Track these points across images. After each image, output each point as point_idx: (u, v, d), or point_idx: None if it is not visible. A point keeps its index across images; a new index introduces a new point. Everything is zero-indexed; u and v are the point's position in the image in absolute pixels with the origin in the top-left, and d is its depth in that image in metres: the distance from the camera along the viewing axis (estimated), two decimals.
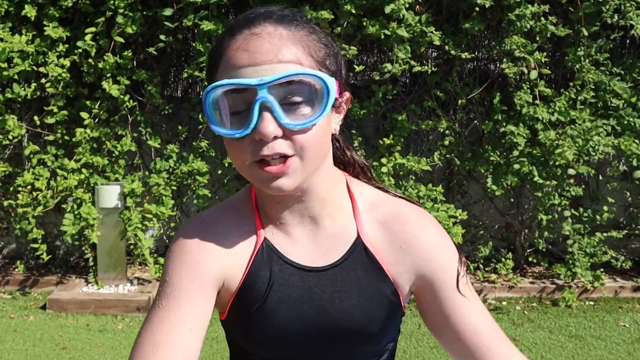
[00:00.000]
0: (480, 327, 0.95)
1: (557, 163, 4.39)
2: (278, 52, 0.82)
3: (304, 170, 0.86)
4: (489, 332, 0.95)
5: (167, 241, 5.05)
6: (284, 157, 0.84)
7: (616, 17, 4.36)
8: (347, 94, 0.95)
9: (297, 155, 0.85)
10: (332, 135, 0.93)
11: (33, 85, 4.46)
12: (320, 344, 0.96)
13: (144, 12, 4.45)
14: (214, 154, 4.69)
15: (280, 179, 0.85)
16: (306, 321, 0.95)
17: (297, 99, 0.84)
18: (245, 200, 1.01)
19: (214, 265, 0.94)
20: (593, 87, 4.45)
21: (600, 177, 4.96)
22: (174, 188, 4.63)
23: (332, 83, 0.85)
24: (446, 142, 4.70)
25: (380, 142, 4.60)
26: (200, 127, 4.68)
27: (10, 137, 4.48)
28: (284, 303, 0.95)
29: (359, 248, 0.97)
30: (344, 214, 0.98)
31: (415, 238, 0.96)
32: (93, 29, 4.36)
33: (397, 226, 0.97)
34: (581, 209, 4.69)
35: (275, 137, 0.83)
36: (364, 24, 4.27)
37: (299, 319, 0.95)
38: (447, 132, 4.73)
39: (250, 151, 0.84)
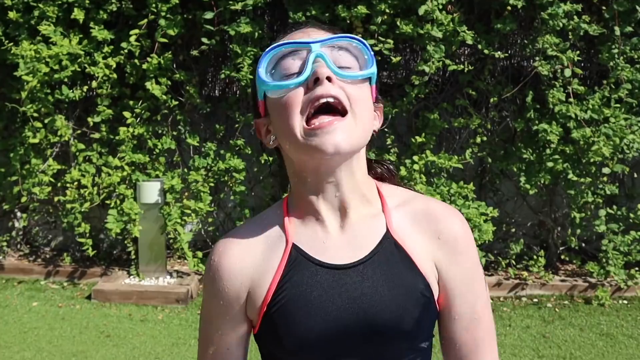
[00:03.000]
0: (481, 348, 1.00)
1: (591, 160, 4.39)
2: (327, 34, 0.93)
3: (356, 129, 0.89)
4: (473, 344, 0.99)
5: (204, 236, 5.22)
6: (338, 113, 0.88)
7: None
8: (380, 105, 1.01)
9: (350, 111, 0.88)
10: (373, 131, 0.97)
11: (85, 88, 4.69)
12: (354, 342, 0.94)
13: (184, 15, 4.62)
14: (250, 152, 4.83)
15: (336, 134, 0.87)
16: (340, 320, 0.93)
17: (345, 62, 0.91)
18: (275, 210, 1.02)
19: (237, 285, 0.98)
20: (629, 86, 4.42)
21: (635, 175, 4.92)
22: (212, 185, 4.79)
23: (374, 59, 0.94)
24: (478, 140, 4.73)
25: (413, 140, 4.67)
26: (237, 125, 4.83)
27: (59, 134, 4.72)
28: (317, 305, 0.94)
29: (388, 242, 0.96)
30: (374, 209, 0.98)
31: (447, 229, 0.97)
32: (137, 31, 4.55)
33: (430, 220, 0.98)
34: (615, 207, 4.66)
35: (329, 79, 0.88)
36: (397, 23, 4.34)
37: (332, 318, 0.93)
38: (479, 130, 4.77)
39: (306, 98, 0.88)
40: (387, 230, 0.96)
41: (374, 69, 0.94)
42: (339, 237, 0.96)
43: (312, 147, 0.88)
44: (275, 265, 0.96)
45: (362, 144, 0.92)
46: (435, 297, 0.97)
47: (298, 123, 0.88)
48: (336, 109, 0.88)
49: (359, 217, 0.97)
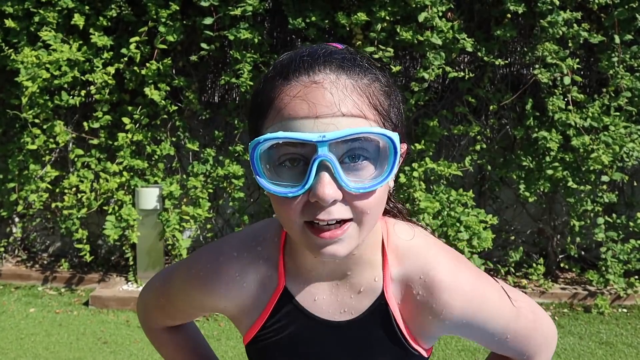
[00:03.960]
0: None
1: (591, 168, 4.38)
2: (341, 105, 0.74)
3: (360, 236, 0.79)
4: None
5: (203, 242, 5.20)
6: (340, 221, 0.77)
7: None
8: (404, 146, 0.84)
9: (356, 220, 0.77)
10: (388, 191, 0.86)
11: (83, 92, 4.69)
12: None
13: (184, 22, 4.62)
14: (249, 158, 4.80)
15: (333, 245, 0.77)
16: None
17: (360, 157, 0.76)
18: (273, 239, 0.95)
19: (213, 305, 0.99)
20: (629, 94, 4.42)
21: (635, 184, 4.92)
22: (211, 191, 4.78)
23: (398, 140, 0.76)
24: (477, 148, 4.73)
25: (412, 147, 4.66)
26: (236, 132, 4.82)
27: (57, 140, 4.71)
28: (298, 356, 0.94)
29: (381, 306, 0.91)
30: (374, 269, 0.91)
31: (446, 308, 0.89)
32: (137, 38, 4.55)
33: (426, 293, 0.90)
34: (615, 216, 4.66)
35: (335, 201, 0.75)
36: (397, 30, 4.35)
37: None
38: (478, 137, 4.77)
39: (301, 211, 0.76)
40: (383, 293, 0.91)
41: (395, 166, 0.78)
42: (332, 294, 0.92)
43: (309, 248, 0.79)
44: (263, 305, 0.94)
45: (365, 238, 0.83)
46: (425, 352, 0.95)
47: (295, 226, 0.78)
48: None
49: (357, 278, 0.91)
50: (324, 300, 0.92)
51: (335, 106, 0.73)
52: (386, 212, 0.97)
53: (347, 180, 0.74)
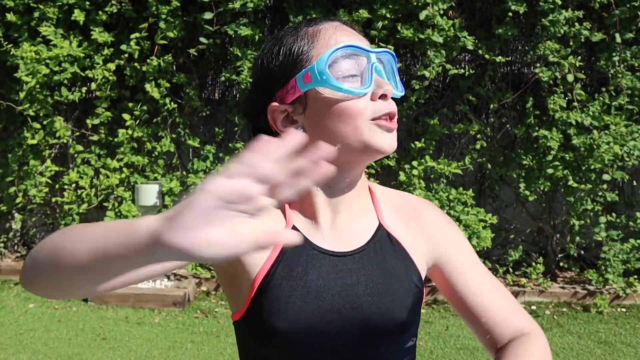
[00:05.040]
0: (492, 305, 1.03)
1: (592, 167, 4.38)
2: (362, 38, 0.98)
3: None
4: (498, 308, 1.03)
5: None
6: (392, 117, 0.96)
7: None
8: None
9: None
10: None
11: (84, 89, 4.69)
12: (347, 330, 0.93)
13: (185, 18, 4.61)
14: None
15: (394, 136, 0.95)
16: (333, 305, 0.94)
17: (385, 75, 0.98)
18: None
19: None
20: (628, 92, 4.42)
21: (635, 183, 4.91)
22: None
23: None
24: (478, 146, 4.73)
25: (412, 145, 4.66)
26: (236, 129, 4.82)
27: (58, 136, 4.71)
28: (313, 288, 0.94)
29: (381, 234, 1.00)
30: (367, 204, 1.03)
31: (424, 222, 1.05)
32: (137, 34, 4.55)
33: (409, 212, 1.05)
34: (615, 215, 4.66)
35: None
36: (398, 28, 4.34)
37: (326, 303, 0.94)
38: (478, 136, 4.76)
39: (371, 109, 0.93)
40: (380, 223, 1.01)
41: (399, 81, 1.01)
42: (336, 228, 0.99)
43: (374, 146, 0.93)
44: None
45: None
46: (424, 290, 1.02)
47: (366, 125, 0.92)
48: None
49: (355, 210, 1.01)
50: (330, 235, 0.99)
51: (363, 36, 0.98)
52: None
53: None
